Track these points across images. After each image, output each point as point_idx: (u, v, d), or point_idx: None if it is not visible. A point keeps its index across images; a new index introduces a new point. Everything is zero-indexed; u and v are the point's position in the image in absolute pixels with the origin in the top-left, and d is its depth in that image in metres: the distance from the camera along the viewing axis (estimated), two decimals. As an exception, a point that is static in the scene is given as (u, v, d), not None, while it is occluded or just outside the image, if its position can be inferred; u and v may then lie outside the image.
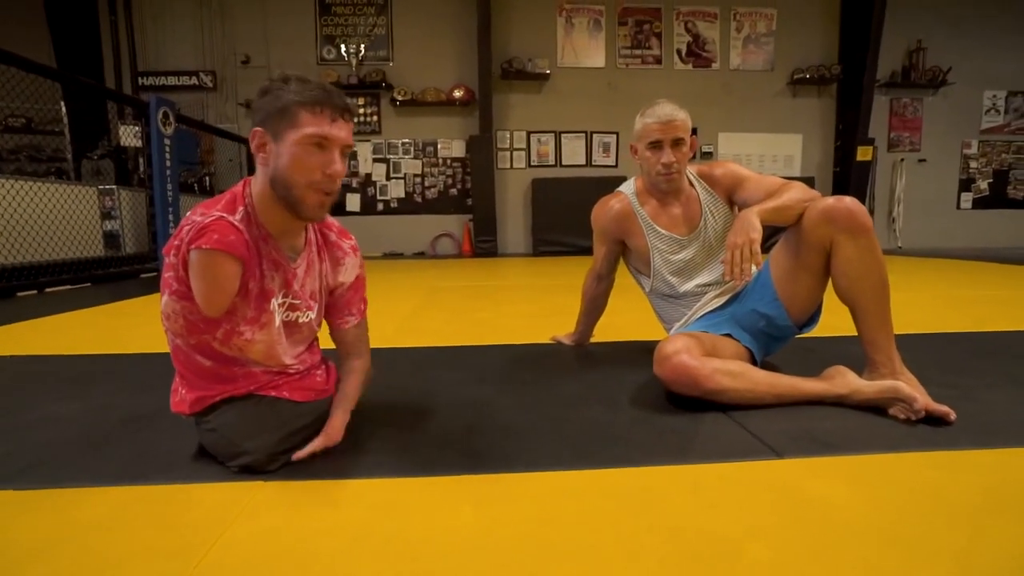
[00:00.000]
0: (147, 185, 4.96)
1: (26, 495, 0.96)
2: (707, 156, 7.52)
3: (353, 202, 7.41)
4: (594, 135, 7.53)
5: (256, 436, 1.01)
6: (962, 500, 0.91)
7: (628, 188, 1.75)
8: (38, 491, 0.97)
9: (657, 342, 1.43)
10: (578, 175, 7.42)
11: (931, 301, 3.06)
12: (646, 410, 1.36)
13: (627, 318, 2.47)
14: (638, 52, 7.46)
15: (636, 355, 1.85)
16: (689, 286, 1.67)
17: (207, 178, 6.59)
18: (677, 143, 1.58)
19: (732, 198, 1.65)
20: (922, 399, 1.23)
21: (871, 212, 7.79)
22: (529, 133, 7.49)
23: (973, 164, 7.97)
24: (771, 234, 1.50)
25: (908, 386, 1.26)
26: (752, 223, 1.33)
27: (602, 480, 1.01)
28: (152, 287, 4.02)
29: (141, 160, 5.15)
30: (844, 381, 1.34)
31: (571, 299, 2.11)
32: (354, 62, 7.13)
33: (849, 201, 1.33)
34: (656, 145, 1.58)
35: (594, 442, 1.18)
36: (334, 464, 1.06)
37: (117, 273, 4.62)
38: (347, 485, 0.99)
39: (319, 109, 0.96)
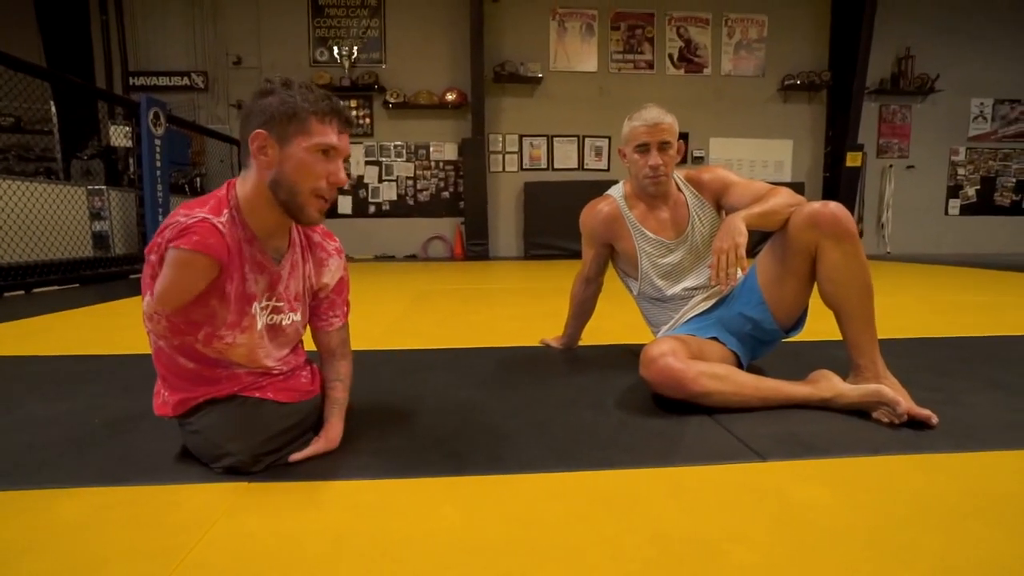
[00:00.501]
0: (137, 186, 4.92)
1: (8, 495, 0.95)
2: (698, 161, 7.56)
3: (345, 204, 7.38)
4: (586, 139, 7.55)
5: (239, 438, 1.01)
6: (943, 503, 0.92)
7: (617, 192, 1.76)
8: (20, 492, 0.97)
9: (644, 346, 1.44)
10: (570, 179, 7.44)
11: (917, 306, 3.09)
12: (632, 413, 1.36)
13: (615, 322, 2.47)
14: (630, 57, 7.49)
15: (624, 358, 1.86)
16: (676, 289, 1.68)
17: (198, 179, 6.54)
18: (664, 146, 1.59)
19: (719, 203, 1.67)
20: (905, 403, 1.24)
21: (860, 218, 7.86)
22: (521, 136, 7.51)
23: (961, 171, 8.06)
24: (759, 240, 1.51)
25: (891, 390, 1.27)
26: (738, 228, 1.35)
27: (586, 482, 1.01)
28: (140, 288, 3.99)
29: (131, 160, 5.12)
30: (829, 385, 1.35)
31: (561, 302, 2.12)
32: (347, 64, 7.12)
33: (834, 206, 1.34)
34: (643, 148, 1.60)
35: (579, 445, 1.18)
36: (318, 466, 1.06)
37: (106, 274, 4.59)
38: (331, 487, 0.99)
39: (329, 119, 0.99)
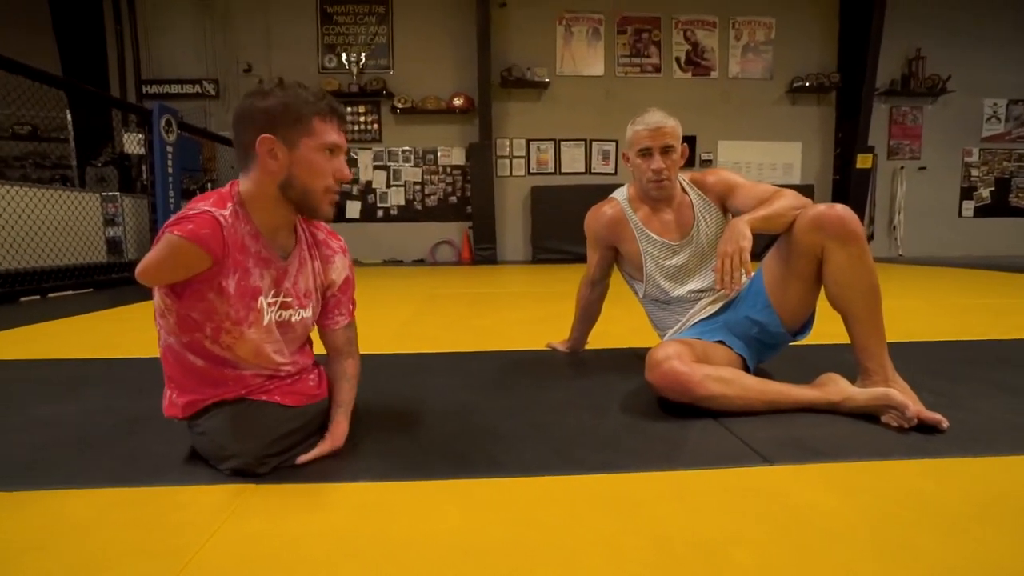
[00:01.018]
0: (149, 192, 4.99)
1: (17, 496, 0.97)
2: (707, 164, 7.54)
3: (353, 209, 7.44)
4: (593, 143, 7.56)
5: (244, 440, 1.02)
6: (949, 508, 0.91)
7: (621, 194, 1.77)
8: (29, 492, 0.98)
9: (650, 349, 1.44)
10: (577, 183, 7.44)
11: (927, 309, 3.05)
12: (636, 416, 1.36)
13: (622, 326, 2.47)
14: (637, 60, 7.50)
15: (629, 362, 1.86)
16: (682, 291, 1.68)
17: (209, 185, 6.61)
18: (667, 150, 1.59)
19: (724, 205, 1.66)
20: (914, 406, 1.23)
21: (871, 220, 7.79)
22: (528, 141, 7.53)
23: (975, 172, 7.97)
24: (767, 244, 1.50)
25: (900, 393, 1.26)
26: (742, 232, 1.34)
27: (589, 485, 1.01)
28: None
29: (144, 167, 5.19)
30: (836, 388, 1.34)
31: (568, 306, 2.12)
32: (355, 70, 7.18)
33: (840, 208, 1.33)
34: (646, 152, 1.60)
35: (582, 448, 1.18)
36: (323, 468, 1.06)
37: (119, 279, 4.65)
38: (335, 489, 0.99)
39: (329, 118, 1.02)
